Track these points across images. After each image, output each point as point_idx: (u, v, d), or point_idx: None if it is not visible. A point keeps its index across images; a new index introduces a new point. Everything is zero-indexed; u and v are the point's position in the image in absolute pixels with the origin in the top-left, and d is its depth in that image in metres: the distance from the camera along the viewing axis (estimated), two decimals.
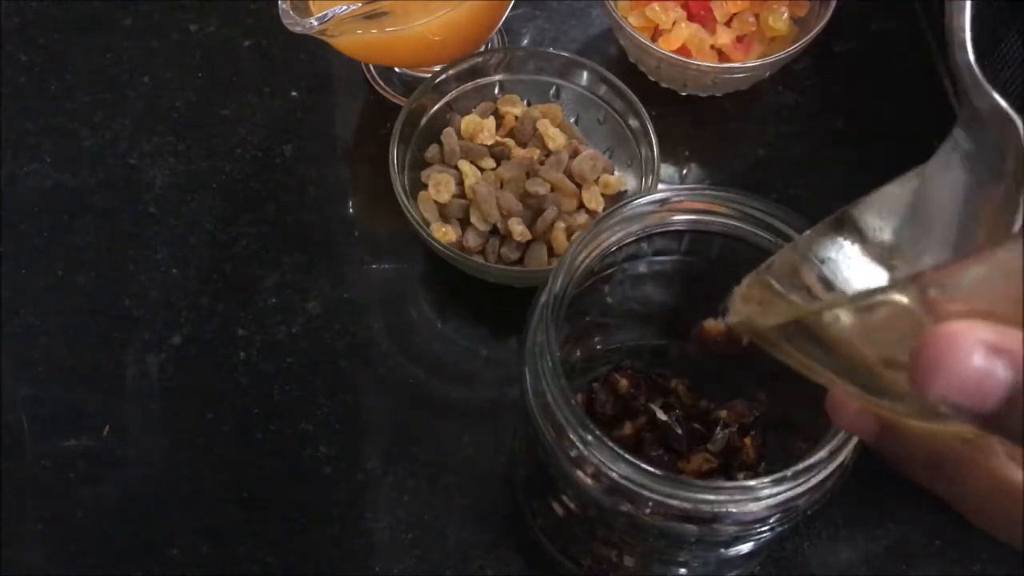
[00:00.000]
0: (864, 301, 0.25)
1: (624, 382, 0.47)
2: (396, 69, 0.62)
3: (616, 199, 0.54)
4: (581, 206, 0.54)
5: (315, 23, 0.49)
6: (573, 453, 0.36)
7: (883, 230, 0.34)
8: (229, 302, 0.55)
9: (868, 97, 0.62)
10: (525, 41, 0.63)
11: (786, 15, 0.58)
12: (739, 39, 0.58)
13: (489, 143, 0.55)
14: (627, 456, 0.35)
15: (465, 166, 0.54)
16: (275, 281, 0.55)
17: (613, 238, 0.40)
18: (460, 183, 0.54)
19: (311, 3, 0.53)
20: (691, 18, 0.58)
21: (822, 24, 0.56)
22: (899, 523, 0.49)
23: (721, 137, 0.61)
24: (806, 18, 0.59)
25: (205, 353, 0.53)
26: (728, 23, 0.58)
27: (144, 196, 0.58)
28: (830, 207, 0.59)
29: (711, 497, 0.35)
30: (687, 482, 0.35)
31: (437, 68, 0.55)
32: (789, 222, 0.39)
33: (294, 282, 0.55)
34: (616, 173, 0.55)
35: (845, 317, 0.26)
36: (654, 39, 0.58)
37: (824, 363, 0.28)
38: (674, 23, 0.58)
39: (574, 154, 0.55)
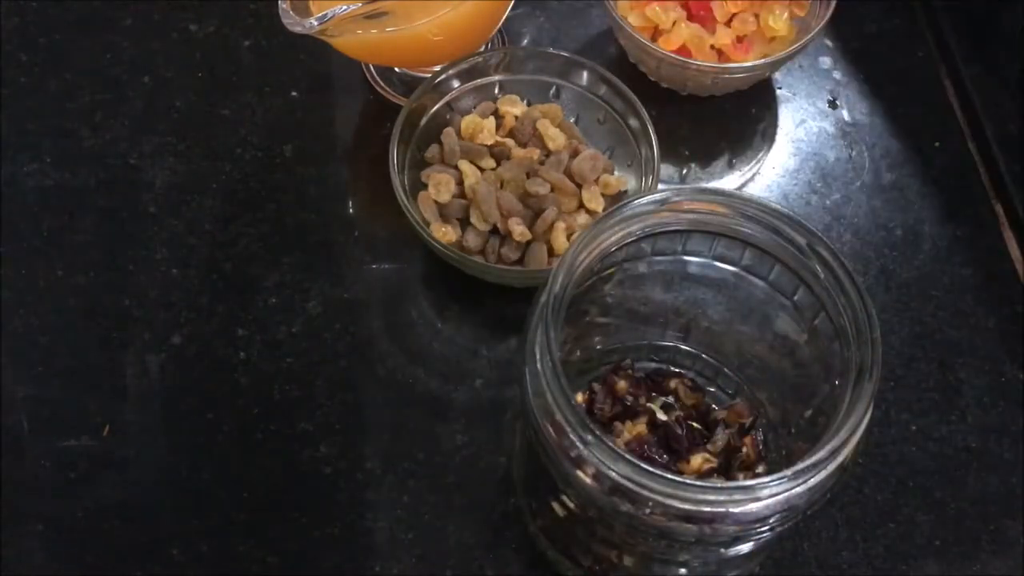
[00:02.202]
0: None
1: (623, 382, 0.47)
2: (396, 69, 0.62)
3: (616, 199, 0.54)
4: (581, 206, 0.54)
5: (315, 23, 0.49)
6: (573, 453, 0.36)
7: None
8: (229, 302, 0.55)
9: (868, 97, 0.62)
10: (525, 41, 0.63)
11: (786, 15, 0.58)
12: (739, 39, 0.58)
13: (489, 143, 0.55)
14: (627, 456, 0.35)
15: (465, 166, 0.54)
16: (275, 281, 0.55)
17: (613, 238, 0.40)
18: (460, 183, 0.54)
19: (311, 3, 0.53)
20: (691, 18, 0.58)
21: (822, 24, 0.56)
22: (899, 523, 0.49)
23: (721, 137, 0.61)
24: (806, 18, 0.59)
25: (205, 353, 0.53)
26: (728, 23, 0.58)
27: (144, 196, 0.58)
28: (829, 206, 0.60)
29: (711, 497, 0.34)
30: (687, 482, 0.35)
31: (437, 68, 0.55)
32: (789, 222, 0.39)
33: (294, 282, 0.55)
34: (616, 173, 0.55)
35: None
36: (654, 39, 0.58)
37: None
38: (674, 23, 0.58)
39: (574, 154, 0.55)
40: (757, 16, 0.58)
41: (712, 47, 0.58)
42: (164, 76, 0.62)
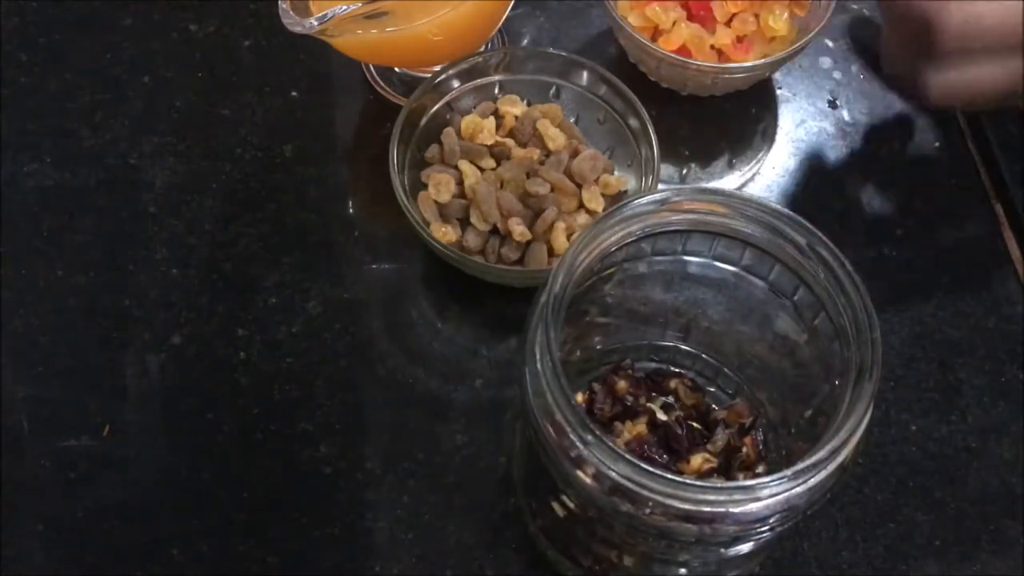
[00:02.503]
0: None
1: (623, 382, 0.47)
2: (396, 69, 0.62)
3: (616, 199, 0.54)
4: (581, 206, 0.54)
5: (315, 23, 0.49)
6: (573, 453, 0.36)
7: None
8: (229, 302, 0.55)
9: (868, 97, 0.62)
10: (525, 41, 0.63)
11: (786, 15, 0.58)
12: (739, 39, 0.58)
13: (489, 143, 0.55)
14: (627, 456, 0.35)
15: (465, 166, 0.54)
16: (275, 281, 0.55)
17: (613, 238, 0.40)
18: (460, 183, 0.54)
19: (311, 3, 0.53)
20: (691, 18, 0.58)
21: (822, 24, 0.56)
22: (899, 523, 0.50)
23: (721, 137, 0.61)
24: (806, 18, 0.59)
25: (205, 353, 0.53)
26: (728, 23, 0.58)
27: (144, 196, 0.58)
28: (829, 206, 0.60)
29: (711, 497, 0.34)
30: (687, 482, 0.35)
31: (437, 68, 0.55)
32: (789, 222, 0.39)
33: (294, 282, 0.55)
34: (616, 173, 0.55)
35: None
36: (654, 39, 0.58)
37: None
38: (674, 23, 0.58)
39: (574, 154, 0.55)
40: (757, 16, 0.58)
41: (712, 47, 0.58)
42: (164, 76, 0.62)
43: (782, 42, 0.58)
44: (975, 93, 0.50)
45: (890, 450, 0.51)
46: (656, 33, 0.59)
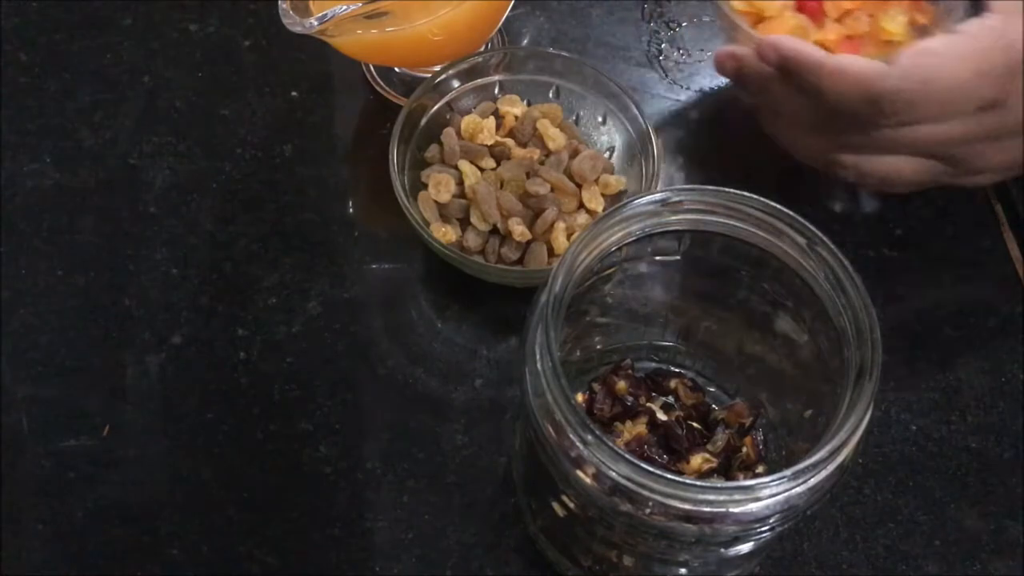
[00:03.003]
0: None
1: (623, 383, 0.47)
2: (396, 69, 0.62)
3: (616, 199, 0.54)
4: (581, 206, 0.54)
5: (315, 23, 0.49)
6: (573, 453, 0.36)
7: None
8: (229, 302, 0.55)
9: None
10: (525, 41, 0.63)
11: (904, 19, 0.54)
12: (848, 38, 0.54)
13: (489, 143, 0.55)
14: (627, 456, 0.35)
15: (465, 166, 0.54)
16: (275, 281, 0.55)
17: (613, 238, 0.40)
18: (460, 183, 0.54)
19: (311, 3, 0.53)
20: (800, 10, 0.55)
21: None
22: (899, 523, 0.49)
23: (721, 137, 0.61)
24: (928, 27, 0.53)
25: (205, 353, 0.53)
26: (839, 20, 0.55)
27: (144, 196, 0.58)
28: (829, 207, 0.60)
29: (711, 497, 0.34)
30: (687, 482, 0.35)
31: (437, 68, 0.55)
32: (789, 222, 0.39)
33: (294, 282, 0.55)
34: (616, 173, 0.55)
35: None
36: (756, 26, 0.55)
37: None
38: (781, 11, 0.54)
39: (574, 154, 0.55)
40: (872, 16, 0.54)
41: (816, 42, 0.53)
42: (164, 76, 0.62)
43: (897, 47, 0.51)
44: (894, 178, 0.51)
45: (890, 450, 0.51)
46: (759, 21, 0.55)
